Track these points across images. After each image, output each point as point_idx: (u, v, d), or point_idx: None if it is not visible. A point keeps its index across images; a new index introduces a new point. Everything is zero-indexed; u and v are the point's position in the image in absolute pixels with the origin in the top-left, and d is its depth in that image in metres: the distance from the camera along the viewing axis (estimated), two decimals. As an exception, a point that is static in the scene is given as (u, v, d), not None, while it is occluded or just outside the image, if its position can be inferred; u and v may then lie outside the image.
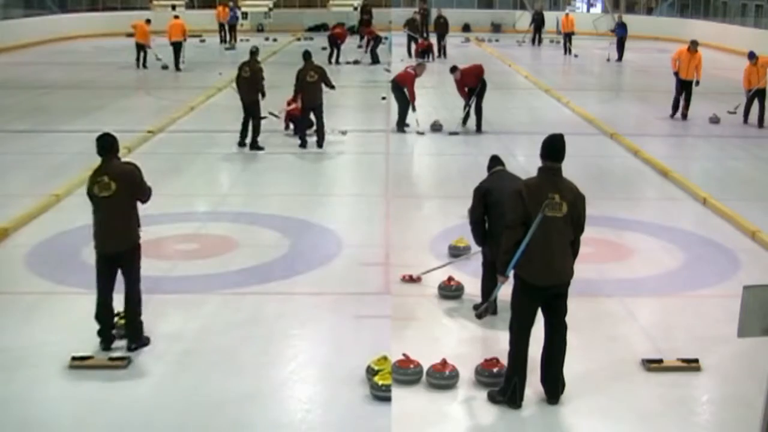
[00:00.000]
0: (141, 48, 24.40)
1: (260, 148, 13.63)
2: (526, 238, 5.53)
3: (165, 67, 24.17)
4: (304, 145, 13.70)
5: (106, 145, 6.61)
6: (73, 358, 6.32)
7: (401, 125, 15.25)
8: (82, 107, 17.74)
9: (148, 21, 24.96)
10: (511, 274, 5.76)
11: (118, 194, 6.44)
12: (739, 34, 30.14)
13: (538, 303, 5.72)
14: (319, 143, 13.72)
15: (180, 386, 6.10)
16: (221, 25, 31.72)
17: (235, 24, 32.20)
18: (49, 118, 16.49)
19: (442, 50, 27.88)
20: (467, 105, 15.33)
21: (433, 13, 30.48)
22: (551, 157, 5.64)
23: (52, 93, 20.09)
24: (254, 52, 14.23)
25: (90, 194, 6.55)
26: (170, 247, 9.03)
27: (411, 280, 7.99)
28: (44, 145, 14.06)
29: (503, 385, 5.79)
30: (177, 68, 24.12)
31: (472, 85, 15.13)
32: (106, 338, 6.57)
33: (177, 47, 24.21)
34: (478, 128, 15.18)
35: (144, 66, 24.52)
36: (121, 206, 6.48)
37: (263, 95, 13.82)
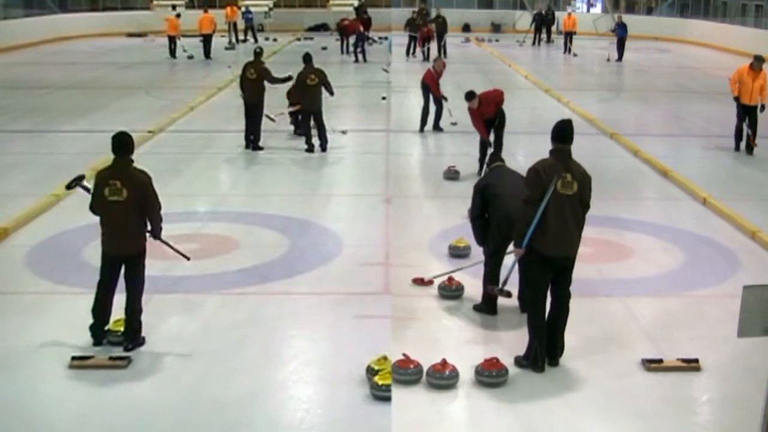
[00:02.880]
0: (172, 40, 27.22)
1: (260, 149, 13.64)
2: (539, 211, 6.03)
3: (191, 57, 26.79)
4: (311, 149, 13.51)
5: (122, 144, 6.59)
6: (73, 358, 6.33)
7: (422, 126, 15.18)
8: (82, 107, 17.76)
9: (179, 16, 28.29)
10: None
11: (128, 202, 6.44)
12: (739, 34, 30.16)
13: (550, 273, 6.22)
14: (323, 147, 13.62)
15: (180, 386, 6.10)
16: (230, 25, 31.78)
17: (252, 24, 32.36)
18: (49, 118, 16.50)
19: (442, 49, 27.87)
20: (486, 142, 12.06)
21: (432, 13, 30.53)
22: (561, 140, 6.20)
23: (52, 93, 20.10)
24: (258, 53, 14.19)
25: (96, 194, 6.52)
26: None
27: (422, 283, 7.93)
28: (44, 145, 14.07)
29: (526, 352, 6.28)
30: (207, 57, 26.96)
31: (489, 115, 12.01)
32: (96, 335, 6.58)
33: (207, 39, 27.27)
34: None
35: (173, 56, 27.20)
36: (130, 212, 6.49)
37: (288, 79, 13.87)
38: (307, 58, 13.77)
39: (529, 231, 6.09)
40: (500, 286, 6.88)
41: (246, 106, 13.72)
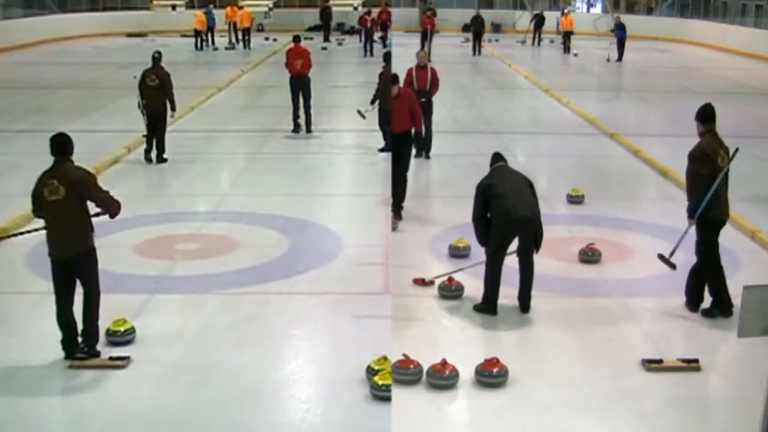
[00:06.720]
0: (198, 34, 29.85)
1: (165, 161, 12.79)
2: (713, 186, 6.93)
3: (215, 49, 29.64)
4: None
5: (59, 145, 6.41)
6: (73, 358, 6.32)
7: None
8: (82, 107, 17.76)
9: (205, 13, 30.57)
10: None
11: (67, 199, 6.24)
12: (739, 34, 30.16)
13: (717, 234, 7.16)
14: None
15: (180, 386, 6.10)
16: (230, 24, 31.57)
17: (213, 26, 31.14)
18: (49, 118, 16.47)
19: (479, 49, 29.10)
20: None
21: (443, 12, 31.16)
22: (711, 120, 7.11)
23: (52, 93, 20.10)
24: (157, 58, 13.10)
25: (37, 196, 6.35)
26: (170, 247, 9.03)
27: (423, 283, 7.92)
28: (44, 145, 13.74)
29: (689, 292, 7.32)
30: (245, 47, 29.96)
31: (397, 125, 10.18)
32: (68, 348, 6.38)
33: (245, 32, 30.37)
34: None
35: (198, 48, 29.79)
36: (70, 211, 6.27)
37: (173, 107, 12.91)
38: (387, 57, 13.71)
39: (703, 203, 6.96)
40: (669, 256, 7.65)
41: (147, 115, 12.77)
